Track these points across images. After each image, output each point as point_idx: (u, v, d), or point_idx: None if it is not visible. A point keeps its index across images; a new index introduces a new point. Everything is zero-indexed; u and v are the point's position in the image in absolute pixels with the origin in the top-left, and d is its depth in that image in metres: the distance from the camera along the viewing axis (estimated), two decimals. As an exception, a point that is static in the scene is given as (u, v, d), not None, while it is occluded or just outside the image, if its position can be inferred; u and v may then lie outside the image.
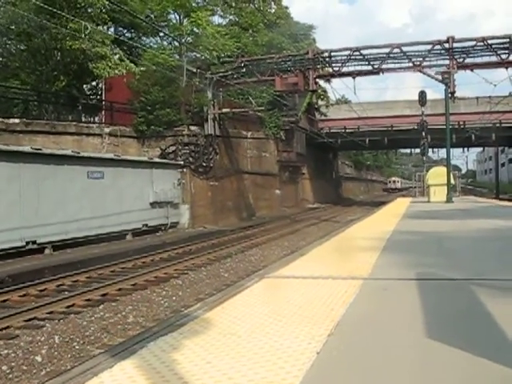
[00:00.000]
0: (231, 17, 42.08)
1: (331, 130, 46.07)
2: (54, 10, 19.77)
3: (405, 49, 25.85)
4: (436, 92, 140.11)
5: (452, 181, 26.61)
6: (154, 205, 21.56)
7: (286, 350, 3.04)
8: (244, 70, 27.38)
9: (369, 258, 6.73)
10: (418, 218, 15.13)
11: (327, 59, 27.23)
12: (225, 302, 4.46)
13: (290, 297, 4.55)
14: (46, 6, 19.54)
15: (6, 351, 7.00)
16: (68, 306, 9.54)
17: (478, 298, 4.31)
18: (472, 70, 25.43)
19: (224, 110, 27.11)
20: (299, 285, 5.13)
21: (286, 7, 48.78)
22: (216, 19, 39.31)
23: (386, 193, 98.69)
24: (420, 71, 25.81)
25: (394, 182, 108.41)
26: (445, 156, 28.48)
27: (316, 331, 3.43)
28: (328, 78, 31.39)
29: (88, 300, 10.02)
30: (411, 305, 4.15)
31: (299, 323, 3.64)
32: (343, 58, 26.64)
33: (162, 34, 33.18)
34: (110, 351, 3.65)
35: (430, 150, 47.33)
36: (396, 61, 26.15)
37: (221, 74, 26.28)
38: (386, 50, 26.03)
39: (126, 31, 34.82)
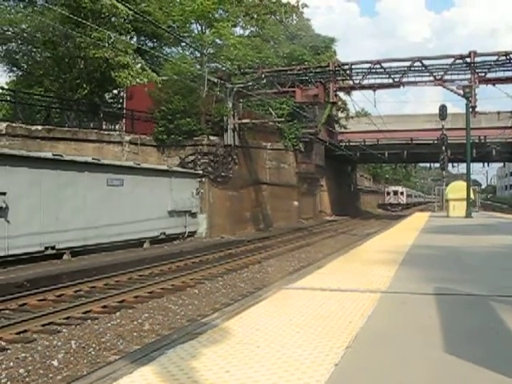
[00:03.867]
0: (253, 28, 42.36)
1: (350, 143, 45.92)
2: (79, 20, 20.12)
3: (426, 62, 25.81)
4: (456, 106, 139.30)
5: (472, 196, 26.35)
6: (172, 213, 21.64)
7: (304, 361, 3.05)
8: (265, 81, 27.50)
9: (387, 271, 6.71)
10: (437, 233, 15.01)
11: (348, 72, 27.30)
12: (243, 311, 4.48)
13: (307, 308, 4.55)
14: (71, 16, 19.90)
15: (23, 354, 7.07)
16: (85, 312, 9.59)
17: (497, 314, 4.28)
18: (494, 85, 25.29)
19: (244, 121, 27.17)
20: (317, 297, 5.12)
21: (308, 19, 49.08)
22: (237, 30, 39.60)
23: (382, 210, 71.96)
24: (441, 85, 25.73)
25: (396, 193, 72.42)
26: (464, 170, 28.26)
27: (334, 343, 3.42)
28: (348, 90, 31.50)
29: (105, 306, 10.06)
30: (429, 319, 4.13)
31: (317, 335, 3.64)
32: (364, 70, 26.70)
33: (183, 44, 33.45)
34: (130, 357, 3.68)
35: (450, 164, 47.02)
36: (417, 74, 26.14)
37: (241, 85, 26.38)
38: (407, 64, 26.02)
39: (148, 41, 35.20)
